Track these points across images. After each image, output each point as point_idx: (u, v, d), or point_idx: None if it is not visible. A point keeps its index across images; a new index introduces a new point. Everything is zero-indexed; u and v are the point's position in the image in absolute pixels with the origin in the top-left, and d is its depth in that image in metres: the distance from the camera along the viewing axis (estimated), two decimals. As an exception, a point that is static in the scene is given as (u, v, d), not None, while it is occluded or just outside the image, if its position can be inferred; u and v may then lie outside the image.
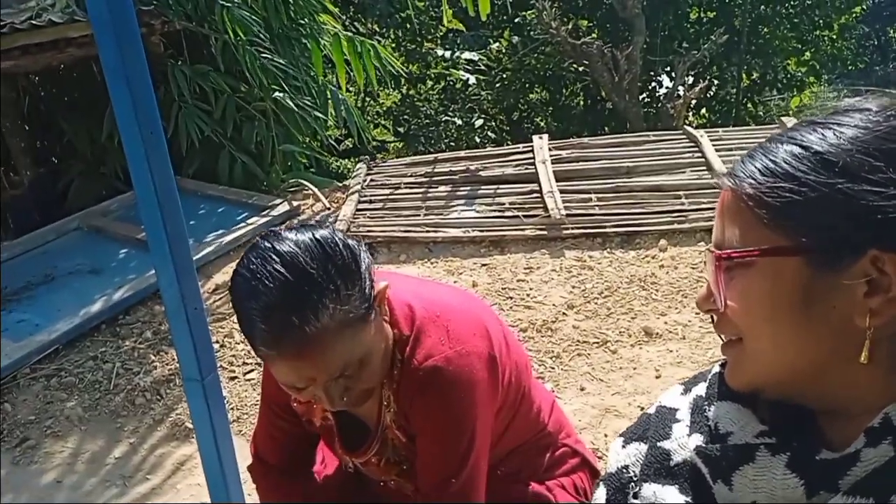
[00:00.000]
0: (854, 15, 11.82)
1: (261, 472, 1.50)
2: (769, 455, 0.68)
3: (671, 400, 0.85)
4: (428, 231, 4.44)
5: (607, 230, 4.25)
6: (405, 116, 10.29)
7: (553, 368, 3.15)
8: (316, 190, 5.25)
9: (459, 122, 9.62)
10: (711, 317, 0.75)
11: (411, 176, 5.22)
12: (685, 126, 6.51)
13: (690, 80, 9.93)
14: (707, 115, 11.35)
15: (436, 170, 5.25)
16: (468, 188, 4.95)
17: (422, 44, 9.61)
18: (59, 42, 4.96)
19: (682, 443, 0.78)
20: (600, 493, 0.84)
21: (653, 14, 9.82)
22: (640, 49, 8.78)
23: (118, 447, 2.98)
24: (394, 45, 9.62)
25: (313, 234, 1.10)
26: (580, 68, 9.63)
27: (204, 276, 4.19)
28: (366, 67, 4.88)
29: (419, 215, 4.68)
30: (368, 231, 4.43)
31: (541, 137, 5.42)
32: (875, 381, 0.66)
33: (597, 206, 4.50)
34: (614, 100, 8.95)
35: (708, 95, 10.82)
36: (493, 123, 10.96)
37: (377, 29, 9.34)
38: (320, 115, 5.51)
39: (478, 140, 9.55)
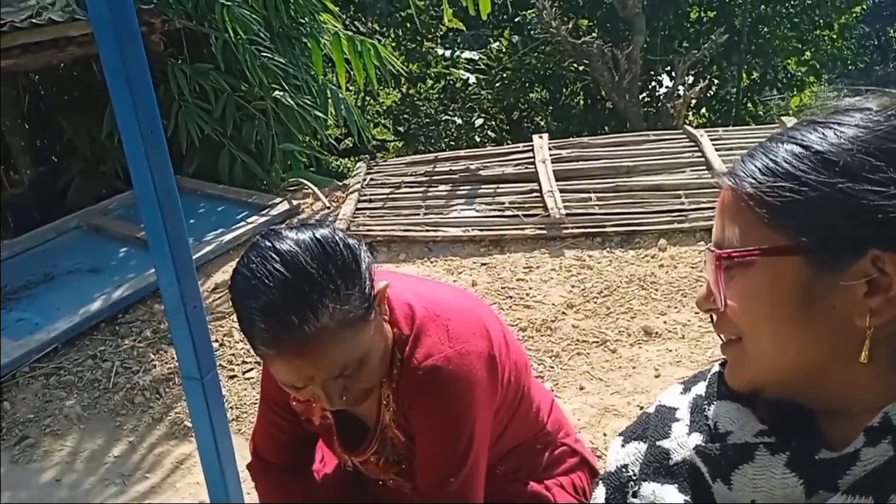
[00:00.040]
0: (854, 15, 11.82)
1: (260, 470, 1.50)
2: (768, 454, 0.68)
3: (671, 399, 0.85)
4: (428, 230, 4.44)
5: (607, 229, 4.25)
6: (405, 116, 10.29)
7: (552, 368, 3.15)
8: (316, 189, 5.25)
9: (459, 121, 9.62)
10: (711, 316, 0.75)
11: (411, 175, 5.22)
12: (685, 125, 6.51)
13: (690, 79, 9.93)
14: (707, 114, 11.35)
15: (436, 169, 5.25)
16: (468, 187, 4.95)
17: (422, 43, 9.61)
18: (59, 41, 4.96)
19: (682, 442, 0.78)
20: (599, 492, 0.84)
21: (653, 13, 9.82)
22: (641, 48, 8.77)
23: (117, 446, 2.98)
24: (394, 44, 9.62)
25: (314, 234, 1.10)
26: (580, 68, 9.62)
27: (203, 274, 4.19)
28: (366, 66, 4.88)
29: (419, 214, 4.68)
30: (368, 230, 4.43)
31: (541, 137, 5.42)
32: (875, 380, 0.66)
33: (596, 205, 4.50)
34: (614, 99, 8.94)
35: (708, 95, 10.82)
36: (493, 123, 10.96)
37: (377, 28, 9.34)
38: (320, 114, 5.51)
39: (478, 139, 9.55)
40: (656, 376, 3.02)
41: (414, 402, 1.25)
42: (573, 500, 1.47)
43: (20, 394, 3.34)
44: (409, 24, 9.26)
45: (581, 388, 3.00)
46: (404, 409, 1.27)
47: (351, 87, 8.88)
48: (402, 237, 4.42)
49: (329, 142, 6.70)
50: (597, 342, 3.30)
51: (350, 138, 8.72)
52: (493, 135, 10.20)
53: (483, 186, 4.93)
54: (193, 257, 1.52)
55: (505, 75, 10.46)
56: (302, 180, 5.48)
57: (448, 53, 9.00)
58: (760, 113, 11.36)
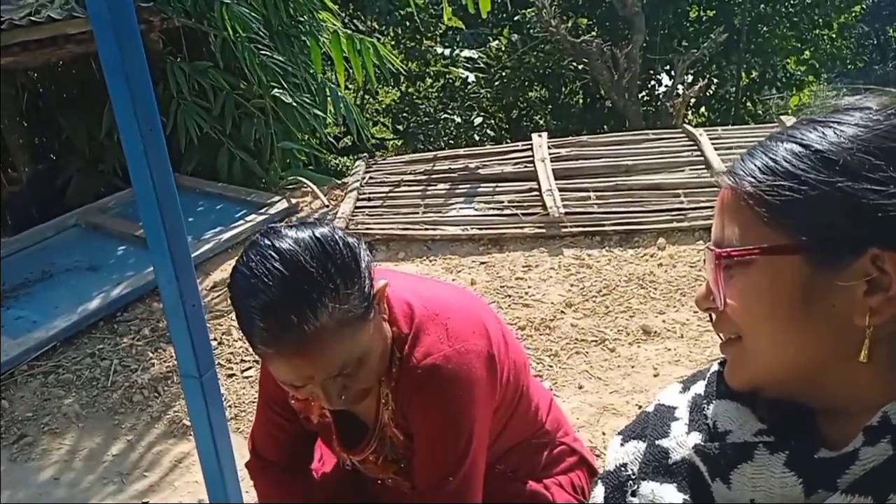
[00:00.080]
0: (853, 14, 11.82)
1: (259, 469, 1.50)
2: (768, 453, 0.68)
3: (670, 398, 0.85)
4: (427, 229, 4.44)
5: (606, 228, 4.25)
6: (404, 114, 10.29)
7: (551, 367, 3.15)
8: (315, 187, 5.25)
9: (459, 119, 9.62)
10: (710, 315, 0.75)
11: (410, 174, 5.22)
12: (684, 124, 6.50)
13: (690, 78, 9.92)
14: (706, 113, 11.35)
15: (434, 168, 5.25)
16: (467, 186, 4.95)
17: (421, 41, 9.60)
18: (57, 38, 4.96)
19: (681, 441, 0.78)
20: (598, 492, 0.84)
21: (652, 12, 9.81)
22: (640, 47, 8.77)
23: (116, 444, 2.98)
24: (393, 42, 9.62)
25: (313, 232, 1.09)
26: (579, 66, 9.62)
27: (202, 273, 4.19)
28: (365, 65, 4.88)
29: (418, 213, 4.68)
30: (367, 229, 4.43)
31: (540, 135, 5.42)
32: (874, 379, 0.66)
33: (596, 204, 4.50)
34: (613, 98, 8.94)
35: (707, 94, 10.81)
36: (493, 121, 10.96)
37: (376, 26, 9.34)
38: (319, 112, 5.51)
39: (477, 138, 9.55)
40: (655, 375, 3.02)
41: (413, 401, 1.24)
42: (572, 499, 1.47)
43: (18, 392, 3.34)
44: (408, 23, 9.26)
45: (580, 387, 3.00)
46: (403, 408, 1.27)
47: (350, 86, 8.89)
48: (400, 236, 4.41)
49: (328, 140, 6.69)
50: (595, 341, 3.30)
51: (349, 137, 8.72)
52: (492, 133, 10.20)
53: (482, 185, 4.93)
54: (192, 255, 1.52)
55: (504, 74, 10.46)
56: (301, 179, 5.48)
57: (447, 52, 8.99)
58: (760, 112, 11.36)
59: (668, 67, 10.28)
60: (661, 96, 10.01)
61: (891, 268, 0.61)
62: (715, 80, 11.02)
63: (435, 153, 5.76)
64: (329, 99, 5.59)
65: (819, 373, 0.67)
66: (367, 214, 4.71)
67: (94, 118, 5.55)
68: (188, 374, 1.52)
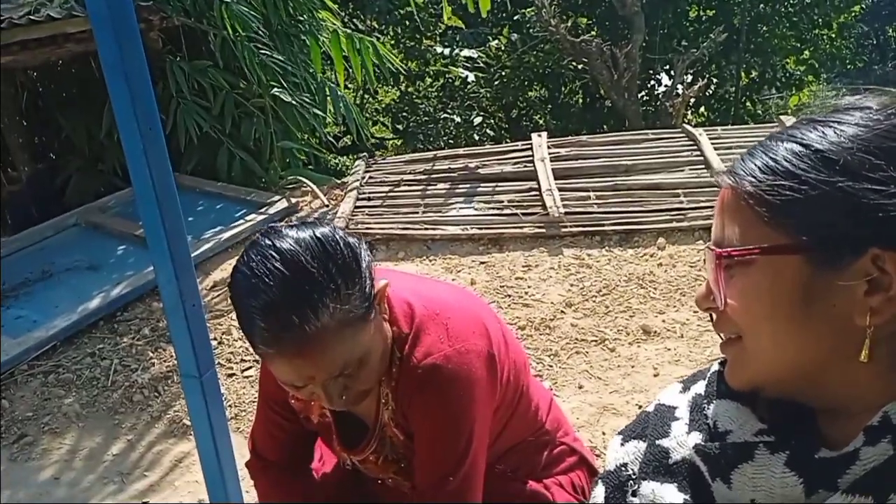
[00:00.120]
0: (853, 14, 11.82)
1: (259, 468, 1.50)
2: (768, 453, 0.68)
3: (670, 398, 0.85)
4: (426, 228, 4.44)
5: (606, 228, 4.25)
6: (404, 114, 10.29)
7: (551, 366, 3.15)
8: (314, 187, 5.24)
9: (458, 119, 9.62)
10: (710, 315, 0.75)
11: (410, 173, 5.22)
12: (684, 124, 6.51)
13: (689, 78, 9.92)
14: (706, 113, 11.35)
15: (434, 167, 5.25)
16: (467, 186, 4.95)
17: (421, 41, 9.60)
18: (57, 37, 4.96)
19: (681, 441, 0.78)
20: (599, 492, 0.84)
21: (652, 12, 9.81)
22: (640, 47, 8.76)
23: (116, 444, 2.97)
24: (393, 42, 9.62)
25: (314, 232, 1.09)
26: (579, 66, 9.62)
27: (202, 272, 4.18)
28: (364, 64, 4.87)
29: (418, 213, 4.67)
30: (367, 228, 4.43)
31: (539, 135, 5.42)
32: (875, 379, 0.66)
33: (595, 204, 4.50)
34: (613, 98, 8.94)
35: (707, 94, 10.81)
36: (492, 121, 10.96)
37: (376, 26, 9.34)
38: (319, 111, 5.51)
39: (476, 138, 9.55)
40: (655, 375, 3.02)
41: (413, 401, 1.24)
42: (572, 499, 1.47)
43: (18, 392, 3.34)
44: (407, 22, 9.26)
45: (580, 387, 3.00)
46: (403, 408, 1.27)
47: (350, 85, 8.88)
48: (400, 235, 4.41)
49: (328, 140, 6.69)
50: (595, 341, 3.30)
51: (349, 136, 8.72)
52: (491, 133, 10.20)
53: (482, 185, 4.93)
54: (192, 255, 1.52)
55: (504, 73, 10.46)
56: (300, 178, 5.48)
57: (447, 51, 9.00)
58: (759, 112, 11.36)
59: (667, 67, 10.28)
60: (660, 96, 10.01)
61: (891, 268, 0.61)
62: (714, 80, 11.02)
63: (435, 153, 5.76)
64: (329, 98, 5.59)
65: (819, 373, 0.67)
66: (366, 214, 4.71)
67: (93, 117, 5.55)
68: (188, 374, 1.52)
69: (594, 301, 3.61)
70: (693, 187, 4.54)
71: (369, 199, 4.92)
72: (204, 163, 5.55)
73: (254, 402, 3.02)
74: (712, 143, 5.01)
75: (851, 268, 0.62)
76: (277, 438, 1.45)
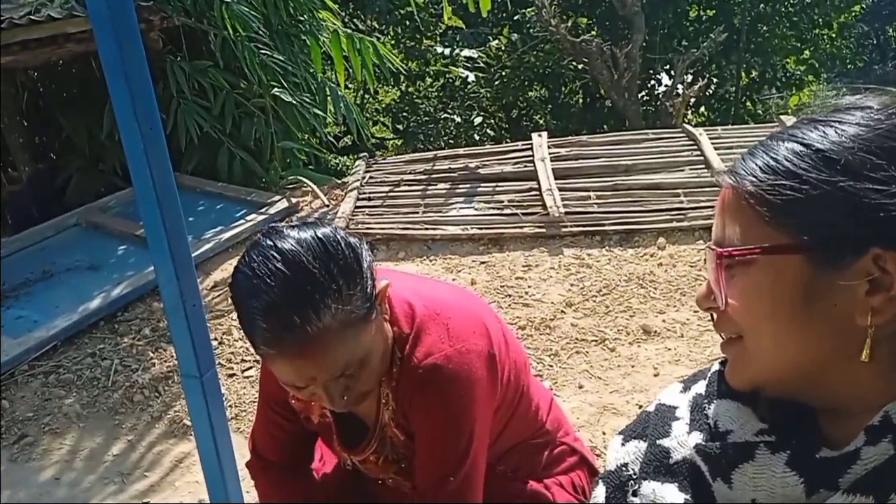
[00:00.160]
0: (853, 14, 11.82)
1: (259, 468, 1.50)
2: (769, 453, 0.68)
3: (671, 398, 0.85)
4: (427, 228, 4.44)
5: (606, 228, 4.25)
6: (404, 114, 10.29)
7: (551, 366, 3.15)
8: (315, 187, 5.24)
9: (458, 119, 9.62)
10: (711, 315, 0.75)
11: (410, 173, 5.22)
12: (684, 124, 6.51)
13: (689, 78, 9.92)
14: (706, 113, 11.35)
15: (435, 167, 5.25)
16: (467, 186, 4.95)
17: (421, 41, 9.60)
18: (57, 37, 4.96)
19: (682, 441, 0.78)
20: (599, 491, 0.84)
21: (652, 12, 9.81)
22: (640, 47, 8.76)
23: (116, 444, 2.97)
24: (393, 42, 9.62)
25: (315, 232, 1.09)
26: (579, 66, 9.61)
27: (202, 272, 4.18)
28: (365, 64, 4.87)
29: (418, 213, 4.67)
30: (367, 228, 4.43)
31: (540, 135, 5.42)
32: (876, 379, 0.65)
33: (595, 203, 4.50)
34: (613, 98, 8.94)
35: (707, 94, 10.81)
36: (493, 121, 10.95)
37: (376, 26, 9.34)
38: (319, 111, 5.51)
39: (477, 137, 9.55)
40: (655, 375, 3.02)
41: (414, 401, 1.24)
42: (572, 499, 1.47)
43: (19, 392, 3.34)
44: (408, 22, 9.26)
45: (580, 387, 3.00)
46: (404, 408, 1.27)
47: (350, 85, 8.88)
48: (400, 235, 4.41)
49: (328, 140, 6.69)
50: (596, 341, 3.30)
51: (349, 136, 8.72)
52: (492, 133, 10.20)
53: (482, 185, 4.93)
54: (192, 255, 1.52)
55: (504, 73, 10.46)
56: (301, 178, 5.48)
57: (447, 51, 8.99)
58: (759, 112, 11.36)
59: (667, 67, 10.28)
60: (660, 96, 10.01)
61: (892, 267, 0.61)
62: (715, 80, 11.02)
63: (435, 153, 5.76)
64: (329, 98, 5.59)
65: (820, 372, 0.67)
66: (367, 214, 4.71)
67: (94, 117, 5.55)
68: (189, 374, 1.52)
69: (594, 301, 3.61)
70: (693, 187, 4.54)
71: (369, 199, 4.92)
72: (204, 163, 5.55)
73: (254, 402, 3.02)
74: (712, 143, 5.01)
75: (853, 267, 0.62)
76: (278, 438, 1.45)
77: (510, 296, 3.73)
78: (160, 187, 1.37)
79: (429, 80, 10.47)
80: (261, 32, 5.04)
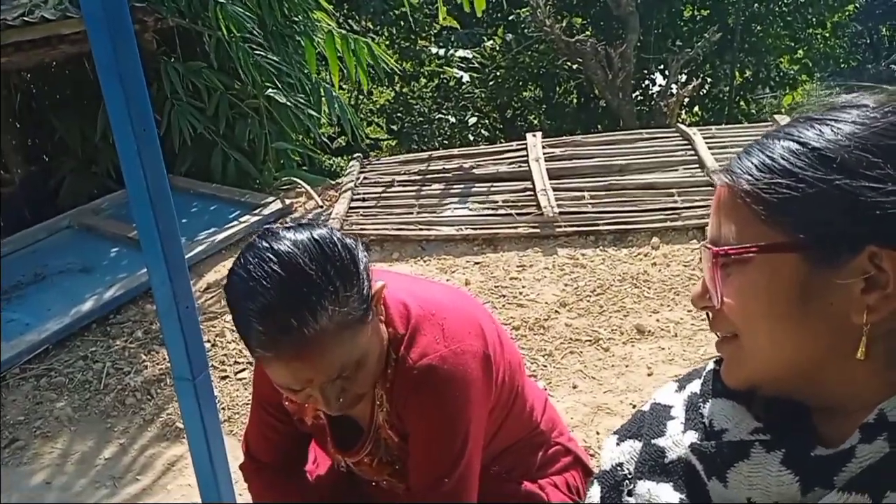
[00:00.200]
0: (847, 13, 11.87)
1: (253, 470, 1.49)
2: (764, 452, 0.68)
3: (666, 397, 0.85)
4: (421, 229, 4.44)
5: (600, 228, 4.25)
6: (399, 114, 10.28)
7: (545, 366, 3.15)
8: (309, 188, 5.23)
9: (453, 119, 9.61)
10: (707, 314, 0.75)
11: (404, 174, 5.22)
12: (678, 124, 6.51)
13: (684, 77, 9.94)
14: (700, 112, 11.37)
15: (429, 168, 5.25)
16: (461, 186, 4.95)
17: (416, 41, 9.60)
18: (51, 39, 4.94)
19: (677, 440, 0.77)
20: (594, 491, 0.83)
21: (646, 12, 9.83)
22: (634, 47, 8.78)
23: (108, 448, 2.96)
24: (388, 42, 9.61)
25: (311, 234, 1.08)
26: (574, 66, 9.63)
27: (196, 274, 4.17)
28: (359, 65, 4.87)
29: (412, 213, 4.67)
30: (361, 229, 4.42)
31: (534, 135, 5.42)
32: (871, 377, 0.65)
33: (590, 203, 4.50)
34: (608, 97, 8.95)
35: (701, 93, 10.84)
36: (487, 121, 10.95)
37: (371, 26, 9.33)
38: (314, 112, 5.50)
39: (471, 138, 9.55)
40: (649, 374, 3.03)
41: (409, 402, 1.24)
42: (567, 500, 1.46)
43: (10, 395, 3.32)
44: (402, 23, 9.26)
45: (574, 387, 3.00)
46: (398, 409, 1.26)
47: (344, 86, 8.86)
48: (395, 236, 4.41)
49: (322, 140, 6.68)
50: (590, 341, 3.30)
51: (343, 137, 8.70)
52: (486, 133, 10.19)
53: (476, 185, 4.92)
54: (185, 257, 1.51)
55: (498, 74, 10.47)
56: (295, 179, 5.47)
57: (442, 52, 8.99)
58: (753, 111, 11.39)
59: (661, 67, 10.30)
60: (654, 96, 10.03)
61: (888, 265, 0.61)
62: (709, 80, 11.05)
63: (429, 153, 5.76)
64: (323, 99, 5.58)
65: (816, 371, 0.67)
66: (361, 215, 4.70)
67: (87, 119, 5.53)
68: (181, 377, 1.51)
69: (588, 301, 3.61)
70: (687, 187, 4.54)
71: (364, 199, 4.91)
72: (198, 164, 5.54)
73: (247, 404, 3.01)
74: (706, 143, 5.01)
75: (848, 266, 0.62)
76: (271, 440, 1.44)
77: (504, 296, 3.73)
78: (153, 189, 1.37)
79: (423, 81, 10.47)
80: (255, 33, 5.03)
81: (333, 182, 5.67)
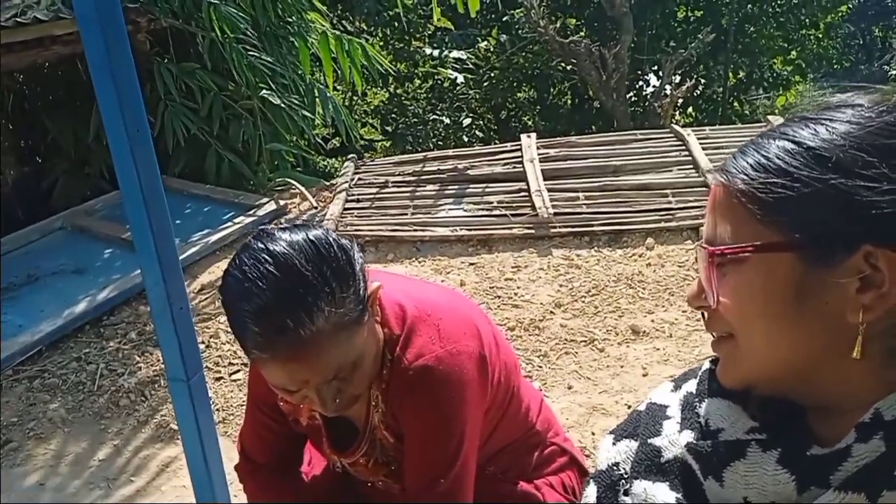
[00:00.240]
0: (840, 14, 11.91)
1: (248, 471, 1.49)
2: (760, 451, 0.68)
3: (661, 397, 0.85)
4: (415, 230, 4.44)
5: (595, 229, 4.26)
6: (393, 115, 10.27)
7: (541, 367, 3.15)
8: (303, 189, 5.23)
9: (447, 120, 9.61)
10: (702, 314, 0.75)
11: (399, 175, 5.21)
12: (672, 125, 6.53)
13: (677, 78, 9.96)
14: (694, 113, 11.40)
15: (423, 169, 5.25)
16: (456, 187, 4.95)
17: (410, 42, 9.59)
18: (43, 40, 4.92)
19: (673, 439, 0.77)
20: (591, 491, 0.83)
21: (640, 13, 9.85)
22: (628, 48, 8.79)
23: (102, 449, 2.95)
24: (382, 43, 9.60)
25: (307, 235, 1.08)
26: (568, 67, 9.64)
27: (189, 275, 4.16)
28: (353, 66, 4.86)
29: (407, 214, 4.67)
30: (356, 230, 4.42)
31: (529, 136, 5.43)
32: (867, 376, 0.65)
33: (584, 204, 4.51)
34: (602, 98, 8.97)
35: (695, 94, 10.86)
36: (481, 122, 10.96)
37: (365, 27, 9.32)
38: (308, 113, 5.49)
39: (465, 139, 9.55)
40: (644, 375, 3.03)
41: (404, 403, 1.24)
42: (563, 500, 1.46)
43: (3, 397, 3.30)
44: (396, 24, 9.25)
45: (569, 388, 3.00)
46: (394, 410, 1.26)
47: (339, 87, 8.86)
48: (389, 237, 4.41)
49: (316, 141, 6.68)
50: (585, 341, 3.30)
51: (337, 138, 8.70)
52: (480, 134, 10.20)
53: (471, 186, 4.92)
54: (179, 258, 1.51)
55: (493, 75, 10.47)
56: (289, 180, 5.46)
57: (436, 53, 8.99)
58: (747, 112, 11.42)
59: (655, 68, 10.32)
60: (648, 97, 10.04)
61: (884, 265, 0.61)
62: (702, 81, 11.07)
63: (424, 154, 5.75)
64: (317, 100, 5.57)
65: (812, 370, 0.67)
66: (355, 216, 4.70)
67: (80, 120, 5.51)
68: (175, 378, 1.51)
69: (583, 301, 3.62)
70: (681, 187, 4.55)
71: (358, 200, 4.91)
72: (192, 165, 5.53)
73: (241, 405, 3.01)
74: (701, 144, 5.02)
75: (844, 265, 0.62)
76: (266, 440, 1.43)
77: (499, 297, 3.73)
78: (147, 189, 1.36)
79: (417, 82, 10.47)
80: (249, 34, 5.02)
81: (328, 183, 5.66)
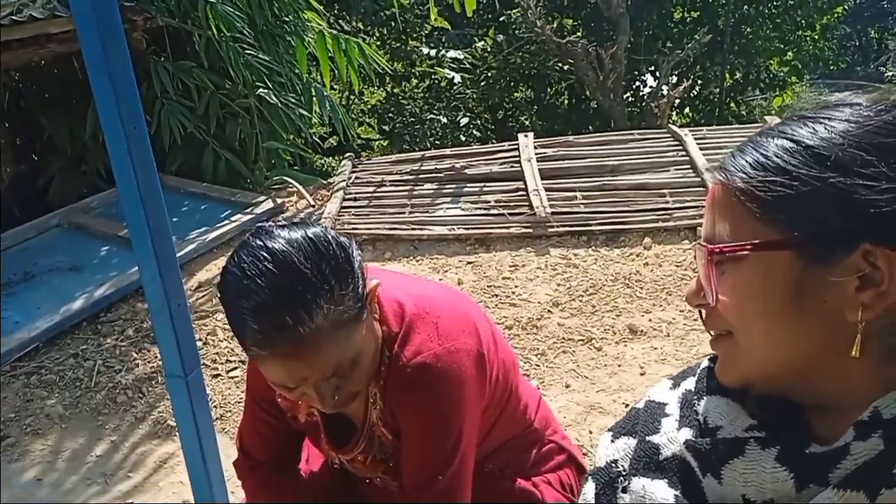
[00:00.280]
0: (836, 15, 11.93)
1: (247, 468, 1.48)
2: (759, 449, 0.68)
3: (660, 394, 0.85)
4: (413, 229, 4.44)
5: (592, 228, 4.26)
6: (390, 114, 10.27)
7: (538, 366, 3.16)
8: (300, 187, 5.22)
9: (445, 120, 9.61)
10: (700, 312, 0.75)
11: (396, 174, 5.21)
12: (669, 125, 6.54)
13: (674, 79, 9.98)
14: (691, 114, 11.41)
15: (421, 168, 5.25)
16: (453, 186, 4.95)
17: (407, 42, 9.59)
18: (39, 38, 4.91)
19: (672, 437, 0.78)
20: (589, 488, 0.83)
21: (637, 13, 9.86)
22: (625, 48, 8.80)
23: (99, 445, 2.95)
24: (379, 42, 9.60)
25: (306, 232, 1.08)
26: (565, 67, 9.64)
27: (187, 273, 4.15)
28: (350, 65, 4.86)
29: (404, 213, 4.67)
30: (353, 229, 4.42)
31: (526, 136, 5.43)
32: (865, 374, 0.66)
33: (582, 204, 4.51)
34: (599, 99, 8.97)
35: (691, 95, 10.88)
36: (479, 122, 10.95)
37: (362, 27, 9.32)
38: (305, 112, 5.49)
39: (463, 138, 9.55)
40: (641, 374, 3.04)
41: (402, 400, 1.24)
42: (561, 497, 1.46)
43: (1, 393, 3.30)
44: (393, 23, 9.24)
45: (567, 386, 3.00)
46: (392, 407, 1.26)
47: (336, 86, 8.85)
48: (387, 236, 4.41)
49: (313, 140, 6.67)
50: (582, 340, 3.30)
51: (335, 137, 8.68)
52: (478, 134, 10.19)
53: (468, 185, 4.93)
54: (177, 255, 1.51)
55: (490, 74, 10.47)
56: (286, 179, 5.46)
57: (433, 52, 8.98)
58: (743, 113, 11.44)
59: (652, 68, 10.32)
60: (645, 97, 10.06)
61: (882, 263, 0.61)
62: (699, 81, 11.09)
63: (422, 153, 5.76)
64: (315, 99, 5.57)
65: (811, 368, 0.67)
66: (353, 214, 4.70)
67: (76, 118, 5.50)
68: (173, 374, 1.51)
69: (581, 300, 3.62)
70: (679, 187, 4.56)
71: (356, 199, 4.91)
72: (189, 163, 5.52)
73: (239, 402, 3.01)
74: (697, 144, 5.03)
75: (843, 263, 0.62)
76: (265, 436, 1.43)
77: (497, 296, 3.73)
78: (144, 187, 1.36)
79: (414, 81, 10.46)
80: (245, 33, 5.01)
81: (325, 182, 5.66)
